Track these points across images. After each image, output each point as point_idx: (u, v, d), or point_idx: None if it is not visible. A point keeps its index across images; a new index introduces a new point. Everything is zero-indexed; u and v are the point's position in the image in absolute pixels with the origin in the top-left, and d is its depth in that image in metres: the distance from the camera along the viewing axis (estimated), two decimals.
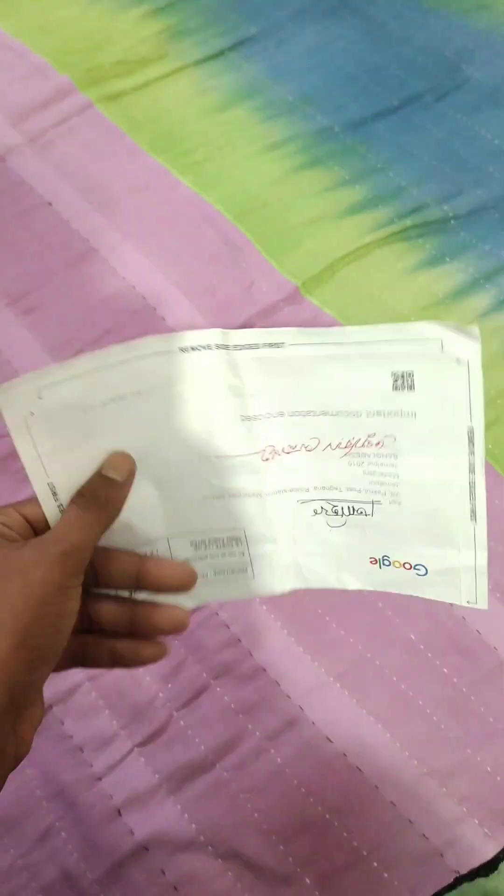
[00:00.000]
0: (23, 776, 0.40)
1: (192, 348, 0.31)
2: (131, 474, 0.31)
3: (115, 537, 0.31)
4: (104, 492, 0.30)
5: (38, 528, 0.30)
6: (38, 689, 0.28)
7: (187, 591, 0.31)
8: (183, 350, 0.31)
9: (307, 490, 0.33)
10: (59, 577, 0.27)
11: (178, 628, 0.31)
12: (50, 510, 0.30)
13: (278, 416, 0.32)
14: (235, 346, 0.31)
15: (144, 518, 0.32)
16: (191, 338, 0.30)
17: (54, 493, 0.30)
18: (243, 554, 0.33)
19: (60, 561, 0.27)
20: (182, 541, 0.32)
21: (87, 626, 0.30)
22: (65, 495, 0.30)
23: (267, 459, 0.32)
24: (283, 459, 0.32)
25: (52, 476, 0.30)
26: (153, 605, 0.31)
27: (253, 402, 0.31)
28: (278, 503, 0.32)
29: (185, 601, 0.31)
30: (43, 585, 0.27)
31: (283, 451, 0.32)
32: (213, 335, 0.31)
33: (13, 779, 0.28)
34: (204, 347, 0.31)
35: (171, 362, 0.31)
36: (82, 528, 0.29)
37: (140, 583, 0.31)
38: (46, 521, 0.30)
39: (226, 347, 0.31)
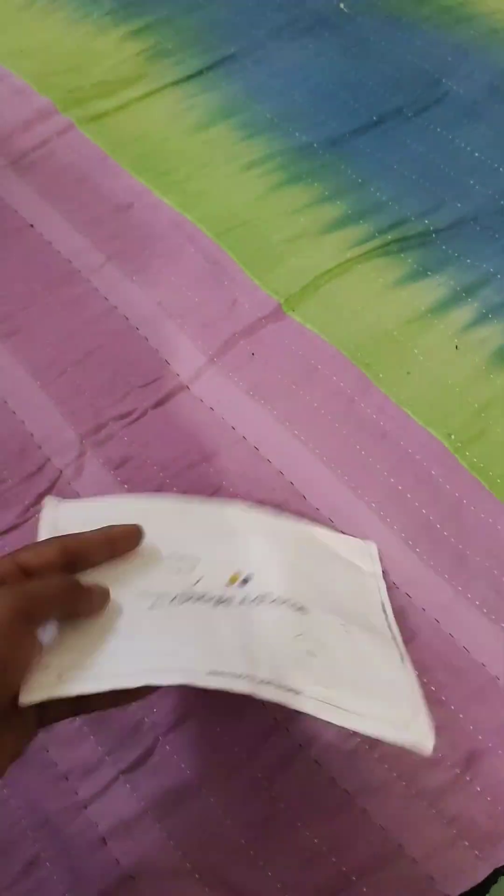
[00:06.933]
0: (7, 806, 0.40)
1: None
2: (104, 605, 0.33)
3: None
4: (79, 594, 0.32)
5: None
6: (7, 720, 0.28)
7: None
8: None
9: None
10: (8, 617, 0.27)
11: None
12: None
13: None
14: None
15: None
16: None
17: None
18: None
19: (14, 603, 0.28)
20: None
21: None
22: None
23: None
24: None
25: None
26: None
27: None
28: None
29: None
30: None
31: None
32: None
33: None
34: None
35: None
36: (54, 589, 0.30)
37: None
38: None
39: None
